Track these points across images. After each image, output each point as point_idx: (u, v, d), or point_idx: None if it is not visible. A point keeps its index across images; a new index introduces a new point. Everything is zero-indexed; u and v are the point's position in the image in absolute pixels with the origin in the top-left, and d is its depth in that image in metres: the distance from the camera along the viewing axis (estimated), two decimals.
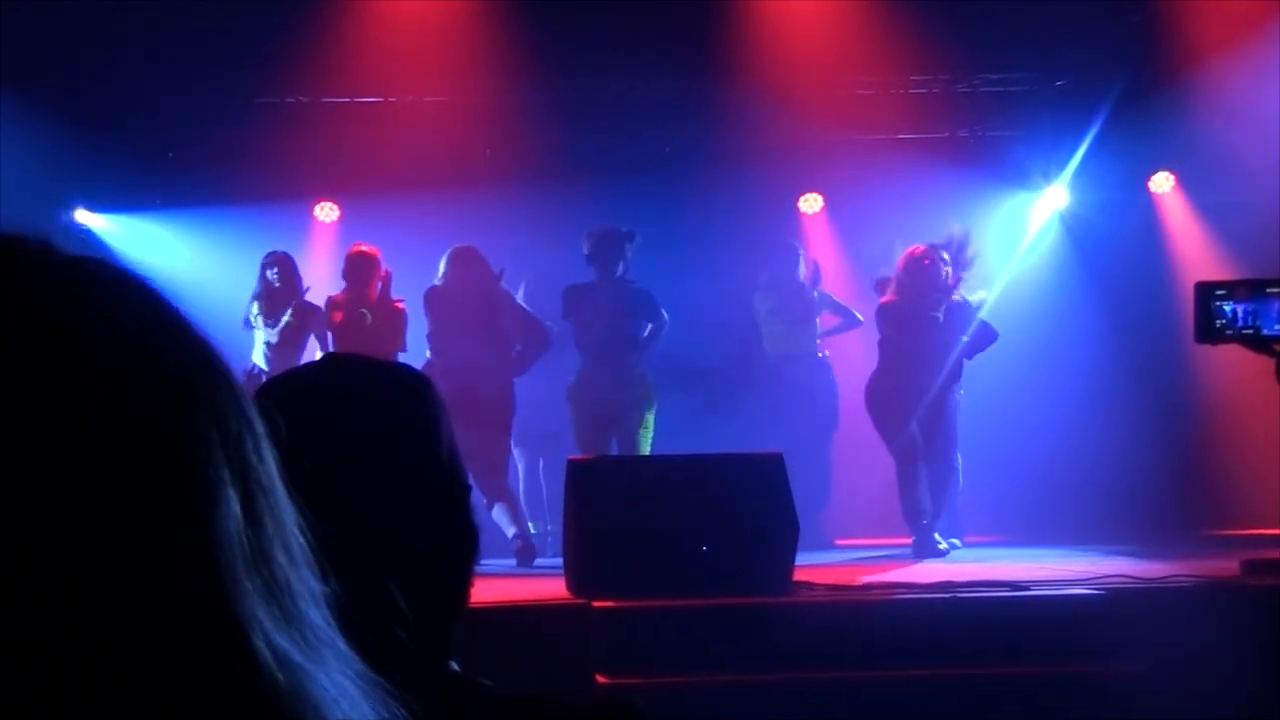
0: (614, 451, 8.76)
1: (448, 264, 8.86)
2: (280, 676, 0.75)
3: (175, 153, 10.85)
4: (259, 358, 9.18)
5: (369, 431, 1.60)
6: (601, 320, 8.82)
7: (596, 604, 5.95)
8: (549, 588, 6.65)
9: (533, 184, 10.52)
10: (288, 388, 1.66)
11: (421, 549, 1.59)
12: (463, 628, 1.64)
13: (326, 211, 11.08)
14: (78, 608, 0.70)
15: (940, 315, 8.71)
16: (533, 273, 10.04)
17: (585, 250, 8.98)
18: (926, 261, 8.72)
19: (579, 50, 9.98)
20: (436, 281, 8.86)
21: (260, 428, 0.81)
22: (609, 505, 6.45)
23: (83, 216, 11.09)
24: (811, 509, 8.64)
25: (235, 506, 0.76)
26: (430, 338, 8.81)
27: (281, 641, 0.76)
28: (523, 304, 9.19)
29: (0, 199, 9.28)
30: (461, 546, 1.64)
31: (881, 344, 8.94)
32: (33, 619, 0.70)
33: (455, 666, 1.61)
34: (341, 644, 0.83)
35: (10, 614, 0.69)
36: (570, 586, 6.43)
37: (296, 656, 0.77)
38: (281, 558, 0.79)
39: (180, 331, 0.79)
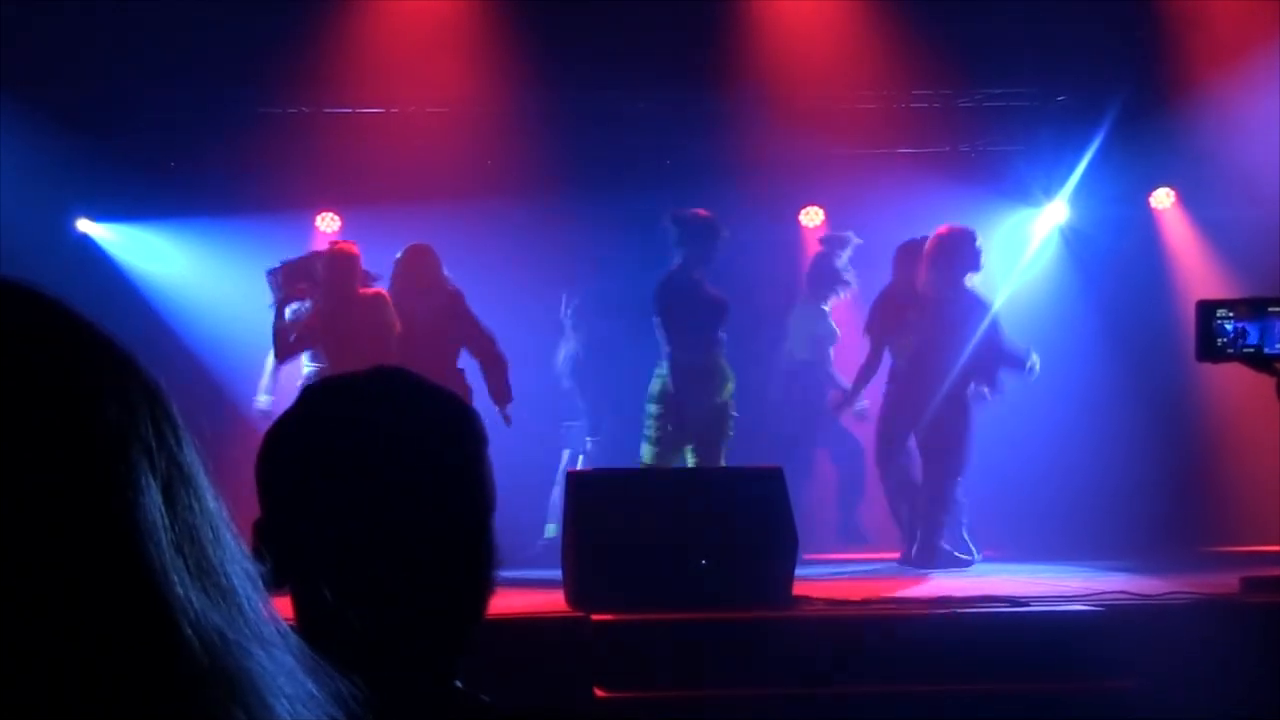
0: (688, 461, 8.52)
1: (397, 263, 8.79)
2: (209, 654, 0.77)
3: (176, 162, 10.84)
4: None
5: (406, 447, 1.62)
6: (702, 316, 8.61)
7: (595, 617, 5.94)
8: (548, 600, 6.64)
9: (532, 196, 10.52)
10: (335, 393, 1.69)
11: (438, 564, 1.62)
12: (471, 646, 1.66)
13: (328, 222, 11.07)
14: (3, 598, 0.72)
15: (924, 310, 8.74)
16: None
17: (676, 238, 8.70)
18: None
19: (580, 63, 9.99)
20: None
21: (179, 422, 0.84)
22: (608, 518, 6.44)
23: (84, 225, 11.09)
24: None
25: (155, 494, 0.78)
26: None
27: (214, 619, 0.78)
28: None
29: (1, 207, 9.29)
30: (477, 568, 1.66)
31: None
32: None
33: (459, 685, 1.63)
34: (283, 623, 0.85)
35: None
36: (569, 599, 6.42)
37: (231, 634, 0.78)
38: (209, 540, 0.81)
39: (85, 338, 0.82)
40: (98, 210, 11.04)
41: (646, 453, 8.46)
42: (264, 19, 9.52)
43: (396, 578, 1.58)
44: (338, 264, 8.65)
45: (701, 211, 8.85)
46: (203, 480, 0.83)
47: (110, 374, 0.81)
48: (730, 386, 8.68)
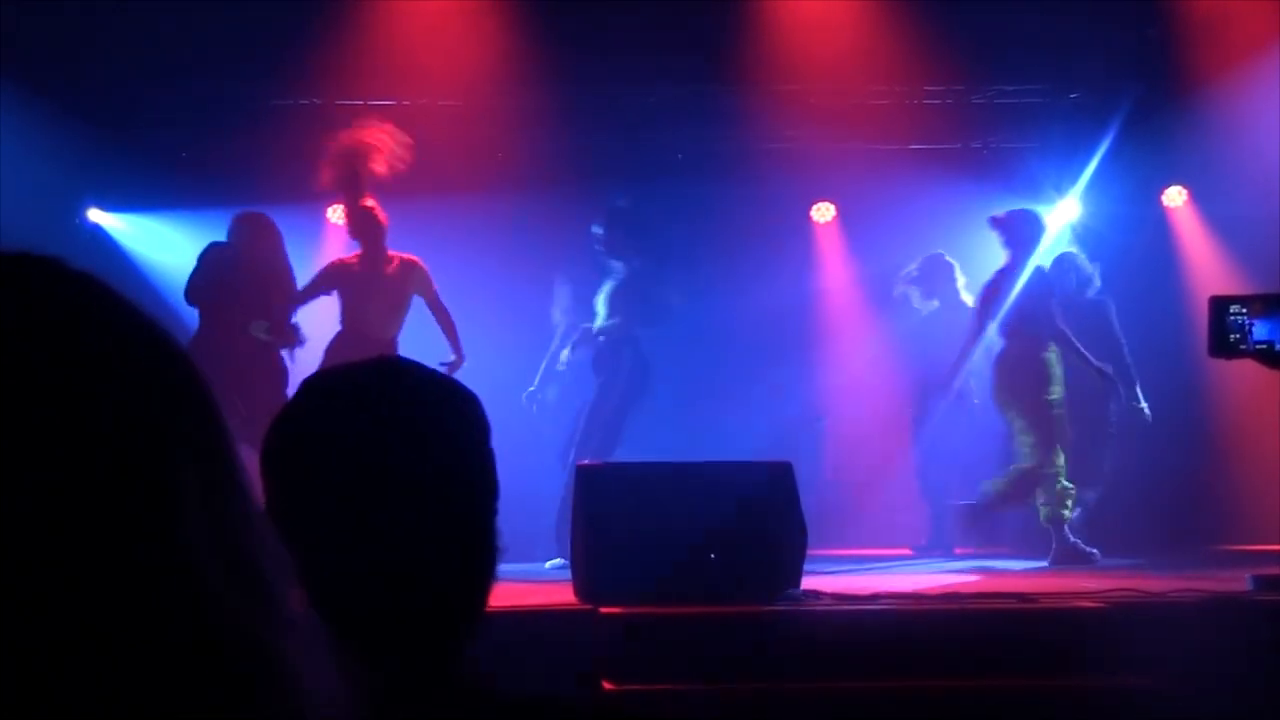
0: None
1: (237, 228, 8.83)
2: (237, 644, 0.77)
3: (188, 153, 10.86)
4: None
5: (409, 436, 1.63)
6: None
7: (604, 610, 5.95)
8: (557, 593, 6.65)
9: (544, 189, 10.53)
10: (338, 384, 1.70)
11: (442, 553, 1.62)
12: (475, 636, 1.66)
13: (339, 214, 11.07)
14: (47, 594, 0.72)
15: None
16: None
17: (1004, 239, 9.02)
18: None
19: (592, 56, 9.98)
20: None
21: (217, 411, 0.83)
22: (617, 511, 6.44)
23: (95, 215, 11.12)
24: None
25: (193, 484, 0.78)
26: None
27: (244, 609, 0.78)
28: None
29: (16, 197, 9.32)
30: (481, 555, 1.66)
31: None
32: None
33: (463, 671, 1.64)
34: (312, 615, 0.85)
35: None
36: (578, 592, 6.43)
37: (259, 625, 0.79)
38: (242, 529, 0.81)
39: (132, 324, 0.82)
40: (109, 200, 11.07)
41: None
42: (275, 12, 9.53)
43: (398, 566, 1.58)
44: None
45: (1023, 210, 9.13)
46: (239, 471, 0.83)
47: (154, 359, 0.81)
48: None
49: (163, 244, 11.08)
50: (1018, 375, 8.72)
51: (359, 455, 1.59)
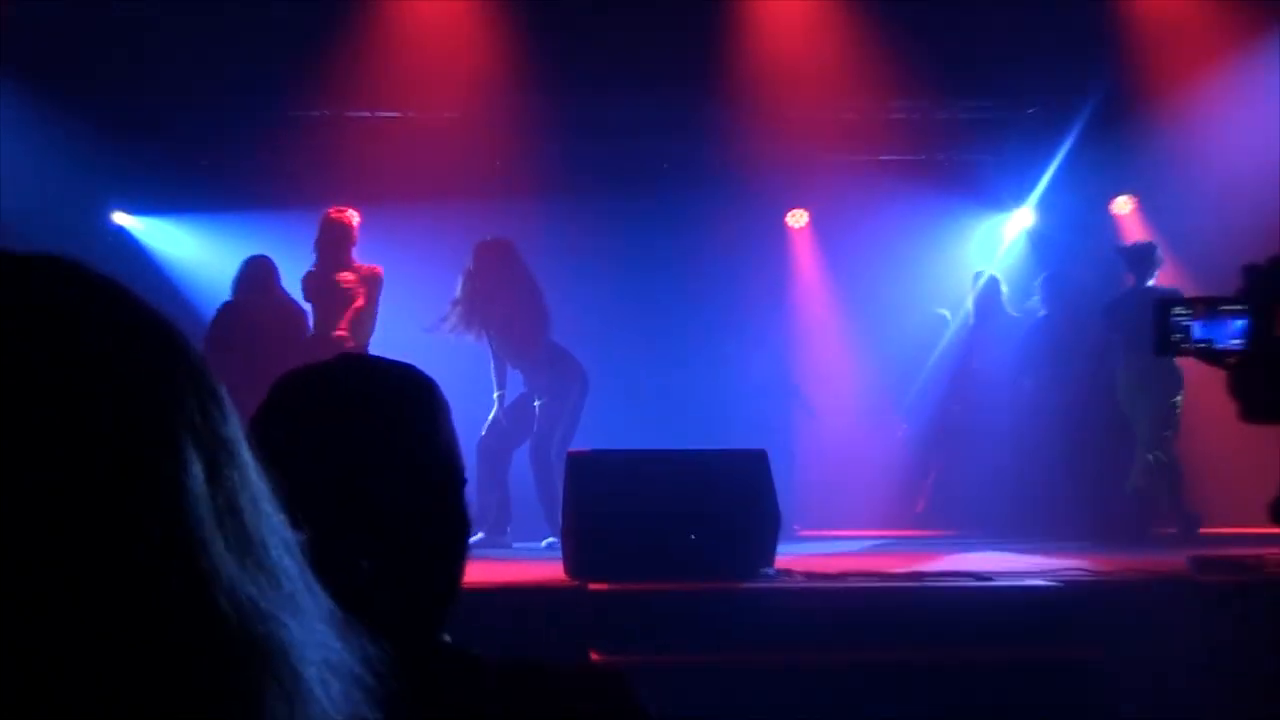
0: None
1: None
2: (243, 624, 0.75)
3: (208, 160, 10.86)
4: None
5: (374, 424, 1.63)
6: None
7: (592, 586, 5.98)
8: (548, 571, 6.67)
9: (540, 196, 10.54)
10: (303, 381, 1.69)
11: (416, 531, 1.61)
12: (459, 605, 1.65)
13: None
14: (55, 571, 0.71)
15: None
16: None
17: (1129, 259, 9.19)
18: None
19: (583, 73, 10.00)
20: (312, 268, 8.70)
21: (223, 397, 0.82)
22: (605, 496, 6.46)
23: (119, 218, 11.11)
24: None
25: (198, 468, 0.77)
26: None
27: (250, 590, 0.76)
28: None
29: (44, 200, 9.33)
30: (453, 530, 1.66)
31: None
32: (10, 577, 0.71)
33: (447, 639, 1.63)
34: (318, 591, 0.83)
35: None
36: (568, 570, 6.44)
37: (265, 605, 0.77)
38: (249, 511, 0.79)
39: (135, 315, 0.81)
40: (132, 203, 11.06)
41: None
42: (290, 28, 9.54)
43: (377, 547, 1.56)
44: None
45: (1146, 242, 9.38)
46: (245, 455, 0.82)
47: (158, 351, 0.80)
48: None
49: (182, 245, 11.08)
50: (1151, 380, 9.02)
51: (330, 445, 1.59)
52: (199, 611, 0.74)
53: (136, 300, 0.82)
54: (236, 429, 0.82)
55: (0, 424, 0.73)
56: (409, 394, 1.67)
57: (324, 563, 1.52)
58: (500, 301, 8.70)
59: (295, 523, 0.85)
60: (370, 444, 1.61)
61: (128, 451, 0.75)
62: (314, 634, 0.80)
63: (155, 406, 0.77)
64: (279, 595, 0.79)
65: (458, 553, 1.66)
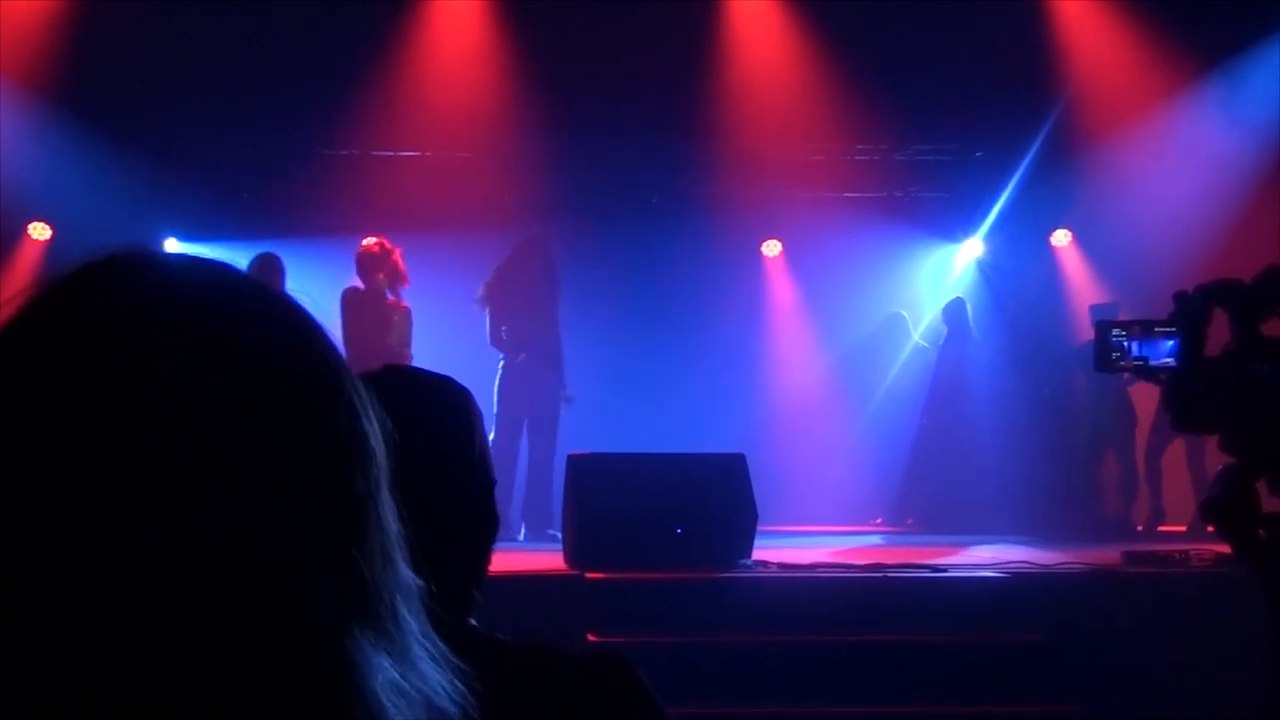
0: None
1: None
2: (363, 678, 0.68)
3: (248, 192, 10.82)
4: None
5: (425, 430, 1.58)
6: None
7: (589, 575, 5.95)
8: (550, 561, 6.63)
9: (541, 226, 10.49)
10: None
11: (454, 528, 1.60)
12: (483, 594, 1.64)
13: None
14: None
15: None
16: None
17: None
18: None
19: (580, 115, 10.02)
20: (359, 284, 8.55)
21: (382, 423, 0.76)
22: (602, 494, 6.42)
23: (171, 244, 11.04)
24: None
25: (390, 509, 0.72)
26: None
27: (367, 645, 0.69)
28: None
29: (101, 228, 9.28)
30: (485, 527, 1.65)
31: None
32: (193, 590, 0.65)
33: (474, 623, 1.62)
34: (432, 638, 0.76)
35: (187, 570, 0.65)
36: (567, 560, 6.41)
37: (385, 659, 0.70)
38: (379, 558, 0.72)
39: (313, 334, 0.73)
40: (183, 231, 11.00)
41: None
42: (323, 76, 9.56)
43: (416, 544, 1.53)
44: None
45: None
46: (387, 491, 0.75)
47: (351, 387, 0.74)
48: None
49: None
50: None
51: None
52: (323, 666, 0.67)
53: (304, 311, 0.75)
54: (386, 460, 0.76)
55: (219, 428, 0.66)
56: (451, 402, 1.65)
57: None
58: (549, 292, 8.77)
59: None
60: (421, 450, 1.56)
61: (320, 459, 0.69)
62: (426, 680, 0.73)
63: (335, 431, 0.71)
64: (397, 646, 0.72)
65: (489, 548, 1.65)
